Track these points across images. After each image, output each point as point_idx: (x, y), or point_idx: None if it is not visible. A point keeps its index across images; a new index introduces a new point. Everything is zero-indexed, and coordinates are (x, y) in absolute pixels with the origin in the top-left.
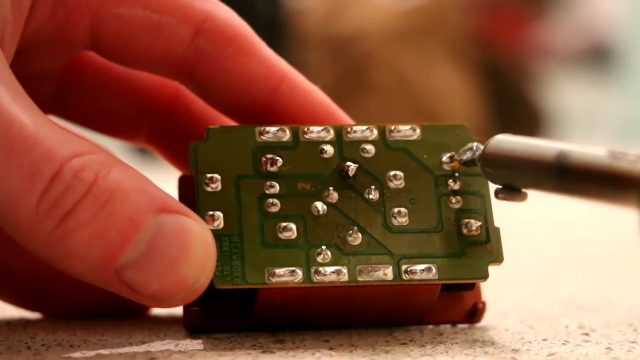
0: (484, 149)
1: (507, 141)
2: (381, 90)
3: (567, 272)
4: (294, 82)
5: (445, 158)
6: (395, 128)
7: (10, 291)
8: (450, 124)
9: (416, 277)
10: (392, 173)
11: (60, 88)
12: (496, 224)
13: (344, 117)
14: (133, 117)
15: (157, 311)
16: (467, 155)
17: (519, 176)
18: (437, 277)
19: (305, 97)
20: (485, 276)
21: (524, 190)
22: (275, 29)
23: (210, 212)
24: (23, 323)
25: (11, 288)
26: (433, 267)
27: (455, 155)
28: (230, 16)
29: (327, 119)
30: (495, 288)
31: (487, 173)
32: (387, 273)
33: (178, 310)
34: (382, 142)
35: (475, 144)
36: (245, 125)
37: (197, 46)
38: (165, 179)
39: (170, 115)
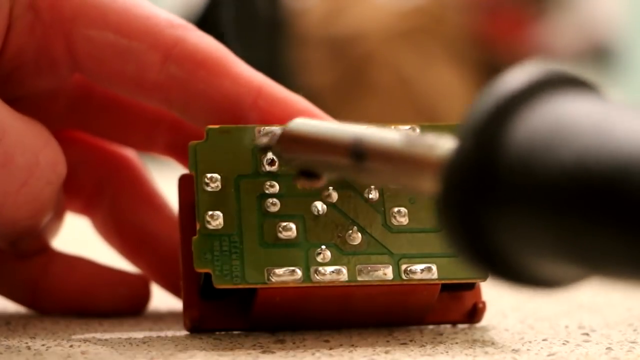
0: (281, 132)
1: (304, 124)
2: (381, 90)
3: None
4: (270, 94)
5: None
6: (394, 128)
7: (0, 285)
8: (450, 124)
9: (416, 276)
10: None
11: (73, 104)
12: None
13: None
14: (146, 129)
15: (157, 310)
16: (263, 140)
17: (316, 160)
18: (436, 277)
19: (283, 108)
20: (485, 276)
21: (322, 175)
22: (275, 29)
23: (210, 212)
24: (23, 323)
25: (1, 282)
26: (433, 267)
27: (254, 141)
28: (201, 40)
29: None
30: (495, 288)
31: (283, 158)
32: (386, 273)
33: (178, 309)
34: None
35: (273, 128)
36: (245, 125)
37: (167, 71)
38: (165, 179)
39: (185, 125)
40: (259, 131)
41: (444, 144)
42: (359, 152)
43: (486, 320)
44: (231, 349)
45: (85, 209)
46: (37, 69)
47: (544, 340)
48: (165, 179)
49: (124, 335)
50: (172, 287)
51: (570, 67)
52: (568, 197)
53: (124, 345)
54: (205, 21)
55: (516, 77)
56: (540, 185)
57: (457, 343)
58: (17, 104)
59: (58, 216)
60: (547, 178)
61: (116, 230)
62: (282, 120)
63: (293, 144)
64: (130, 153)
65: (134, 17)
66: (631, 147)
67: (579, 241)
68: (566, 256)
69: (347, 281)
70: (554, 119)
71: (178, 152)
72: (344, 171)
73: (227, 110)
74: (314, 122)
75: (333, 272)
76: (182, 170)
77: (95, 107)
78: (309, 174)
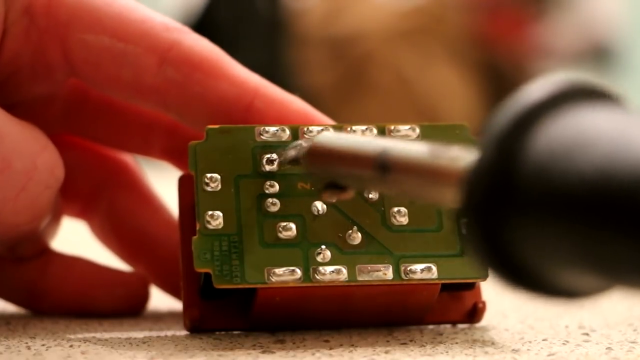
0: (309, 146)
1: (331, 137)
2: (381, 90)
3: None
4: (267, 95)
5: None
6: (394, 128)
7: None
8: (450, 124)
9: (416, 276)
10: None
11: (69, 109)
12: None
13: (325, 122)
14: (142, 133)
15: (157, 310)
16: (292, 154)
17: (343, 173)
18: (436, 277)
19: (280, 109)
20: (485, 276)
21: (349, 188)
22: (275, 29)
23: (210, 212)
24: (23, 323)
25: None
26: (433, 267)
27: (281, 155)
28: (197, 43)
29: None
30: (495, 288)
31: (311, 172)
32: (386, 273)
33: (178, 309)
34: None
35: (300, 142)
36: (245, 125)
37: (164, 74)
38: (163, 181)
39: (181, 128)
40: (259, 131)
41: (467, 156)
42: (383, 164)
43: (486, 320)
44: (231, 349)
45: (83, 213)
46: (33, 74)
47: (544, 340)
48: (162, 182)
49: (124, 335)
50: (171, 289)
51: (570, 68)
52: (586, 206)
53: (124, 345)
54: (205, 21)
55: (537, 89)
56: (559, 195)
57: (457, 343)
58: (14, 109)
59: (56, 219)
60: (566, 188)
61: (114, 234)
62: (279, 121)
63: (319, 157)
64: (127, 157)
65: (130, 21)
66: None
67: (596, 251)
68: (586, 266)
69: (347, 281)
70: (575, 130)
71: (175, 156)
72: (369, 183)
73: (224, 112)
74: (339, 135)
75: (333, 272)
76: (179, 173)
77: (91, 112)
78: (336, 186)
